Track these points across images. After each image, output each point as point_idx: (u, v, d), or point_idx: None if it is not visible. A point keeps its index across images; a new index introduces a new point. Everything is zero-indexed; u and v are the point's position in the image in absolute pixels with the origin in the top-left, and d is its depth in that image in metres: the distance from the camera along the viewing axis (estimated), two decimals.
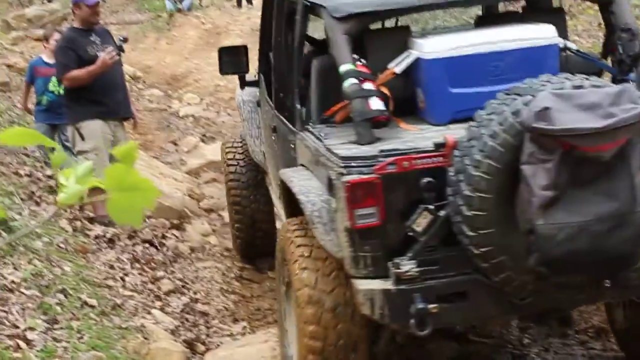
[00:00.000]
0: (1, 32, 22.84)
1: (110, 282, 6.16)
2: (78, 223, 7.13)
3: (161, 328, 5.53)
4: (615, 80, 4.74)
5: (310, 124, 4.90)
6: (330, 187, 4.29)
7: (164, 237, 7.68)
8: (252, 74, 7.23)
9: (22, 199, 6.92)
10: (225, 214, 8.77)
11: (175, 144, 12.90)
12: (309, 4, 4.96)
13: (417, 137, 4.40)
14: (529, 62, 4.44)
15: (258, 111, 6.95)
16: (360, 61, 4.61)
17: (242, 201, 7.32)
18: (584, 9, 11.68)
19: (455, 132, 4.23)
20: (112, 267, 6.53)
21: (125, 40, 8.14)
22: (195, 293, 6.66)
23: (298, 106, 5.04)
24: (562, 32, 4.95)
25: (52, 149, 1.50)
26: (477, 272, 4.16)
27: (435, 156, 4.12)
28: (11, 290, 5.07)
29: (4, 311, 4.79)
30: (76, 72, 7.31)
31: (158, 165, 10.07)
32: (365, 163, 4.14)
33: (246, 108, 7.20)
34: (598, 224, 3.77)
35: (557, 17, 5.14)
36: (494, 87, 4.31)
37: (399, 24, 6.15)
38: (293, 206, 4.80)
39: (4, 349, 4.35)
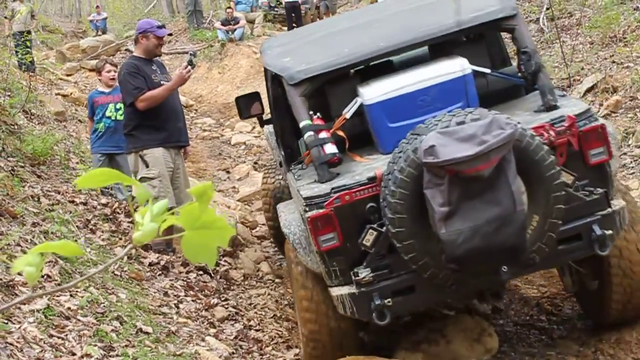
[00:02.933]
0: (56, 62, 23.25)
1: (165, 309, 6.19)
2: (133, 251, 7.18)
3: (215, 355, 5.53)
4: (527, 91, 6.00)
5: (292, 165, 6.07)
6: (303, 220, 5.38)
7: (217, 264, 7.70)
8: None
9: (77, 227, 7.00)
10: None
11: (228, 172, 12.98)
12: (274, 73, 6.12)
13: (365, 169, 5.39)
14: (448, 91, 5.51)
15: None
16: (316, 115, 5.66)
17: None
18: (638, 35, 11.55)
19: None
20: (166, 294, 6.57)
21: (194, 54, 8.15)
22: (248, 320, 6.67)
23: (282, 153, 6.54)
24: (482, 59, 6.12)
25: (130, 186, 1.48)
26: None
27: (370, 187, 5.19)
28: (68, 318, 5.12)
29: (61, 338, 4.83)
30: (152, 92, 7.34)
31: None
32: (321, 200, 5.21)
33: (273, 139, 7.96)
34: (487, 225, 4.74)
35: (477, 46, 6.35)
36: (424, 117, 5.31)
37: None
38: None
39: None
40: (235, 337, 6.23)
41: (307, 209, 5.21)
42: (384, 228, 5.07)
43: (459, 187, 4.74)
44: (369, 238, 5.18)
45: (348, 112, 5.74)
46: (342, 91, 6.06)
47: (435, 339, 5.81)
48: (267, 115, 7.84)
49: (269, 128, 8.25)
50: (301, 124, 5.57)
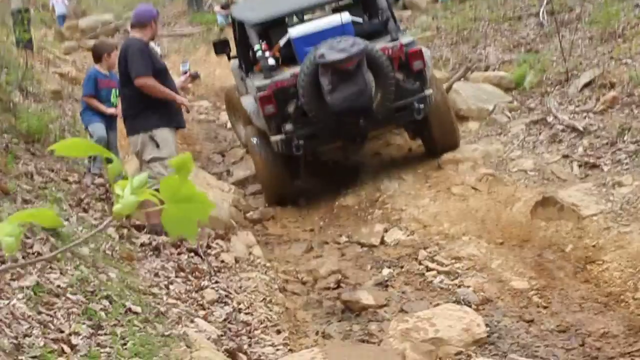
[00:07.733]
0: (55, 41, 23.15)
1: (155, 290, 6.18)
2: (125, 230, 7.18)
3: (204, 337, 5.52)
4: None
5: (249, 73, 10.50)
6: (255, 99, 9.70)
7: (209, 246, 7.70)
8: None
9: (70, 205, 6.99)
10: (270, 225, 8.92)
11: (223, 155, 12.96)
12: (239, 20, 10.86)
13: (290, 72, 9.64)
14: (338, 32, 9.55)
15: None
16: (264, 42, 9.98)
17: None
18: (637, 32, 11.53)
19: None
20: (157, 275, 6.56)
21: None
22: (238, 303, 6.65)
23: (244, 67, 10.91)
24: (360, 14, 10.78)
25: (109, 160, 1.47)
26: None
27: (292, 80, 9.46)
28: (57, 295, 5.10)
29: (50, 315, 4.82)
30: (157, 85, 7.60)
31: (205, 175, 10.12)
32: (265, 87, 9.54)
33: (236, 72, 12.08)
34: (351, 96, 9.07)
35: (358, 7, 11.08)
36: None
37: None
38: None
39: (48, 352, 4.37)
40: (225, 320, 6.22)
41: (258, 92, 9.54)
42: (299, 102, 9.38)
43: (337, 76, 9.02)
44: (291, 107, 9.50)
45: (282, 41, 10.15)
46: (280, 31, 10.34)
47: (424, 328, 5.81)
48: (233, 55, 11.70)
49: (235, 62, 11.93)
50: (255, 47, 9.95)
